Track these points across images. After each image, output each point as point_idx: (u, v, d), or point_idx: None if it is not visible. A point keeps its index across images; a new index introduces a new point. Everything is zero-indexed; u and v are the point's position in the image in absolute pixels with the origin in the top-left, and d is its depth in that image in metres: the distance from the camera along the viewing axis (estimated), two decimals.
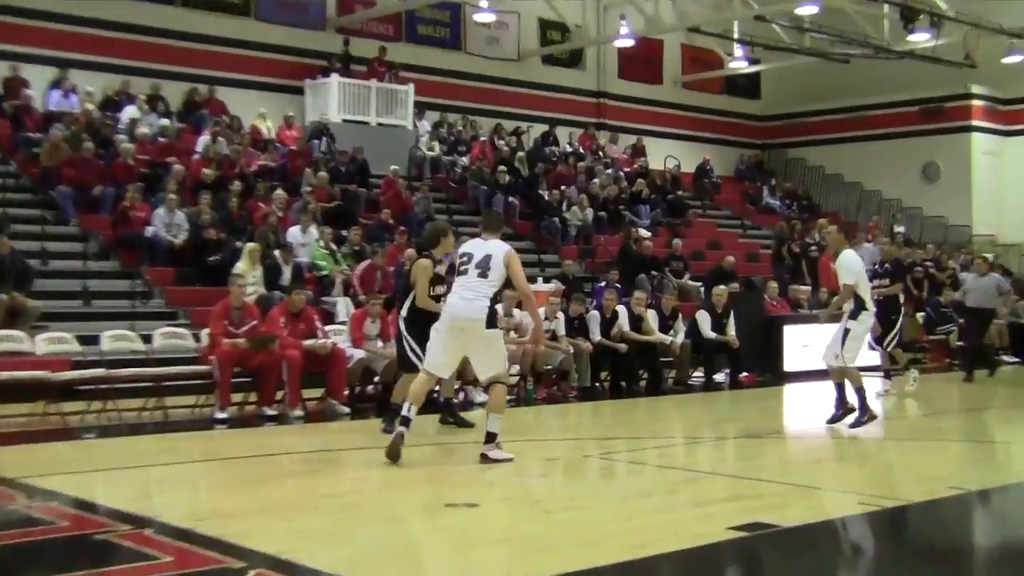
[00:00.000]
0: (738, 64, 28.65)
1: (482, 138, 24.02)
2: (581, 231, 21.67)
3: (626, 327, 14.58)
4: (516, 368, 12.74)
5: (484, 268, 8.27)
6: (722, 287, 16.19)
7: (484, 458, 8.17)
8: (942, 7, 23.40)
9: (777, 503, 7.13)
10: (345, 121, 22.26)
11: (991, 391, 15.23)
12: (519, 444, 8.72)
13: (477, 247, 8.47)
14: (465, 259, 8.42)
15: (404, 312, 9.75)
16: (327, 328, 12.60)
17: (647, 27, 25.38)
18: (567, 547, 5.79)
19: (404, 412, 8.25)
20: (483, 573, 5.47)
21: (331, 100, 22.29)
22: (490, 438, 8.22)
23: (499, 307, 8.87)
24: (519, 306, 12.64)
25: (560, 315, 14.02)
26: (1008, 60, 25.74)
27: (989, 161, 28.98)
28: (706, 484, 7.75)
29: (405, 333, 9.65)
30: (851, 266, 10.50)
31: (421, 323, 9.16)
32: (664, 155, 27.69)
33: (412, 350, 9.40)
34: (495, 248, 8.40)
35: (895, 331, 13.59)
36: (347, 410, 11.68)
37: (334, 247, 16.57)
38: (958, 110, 28.89)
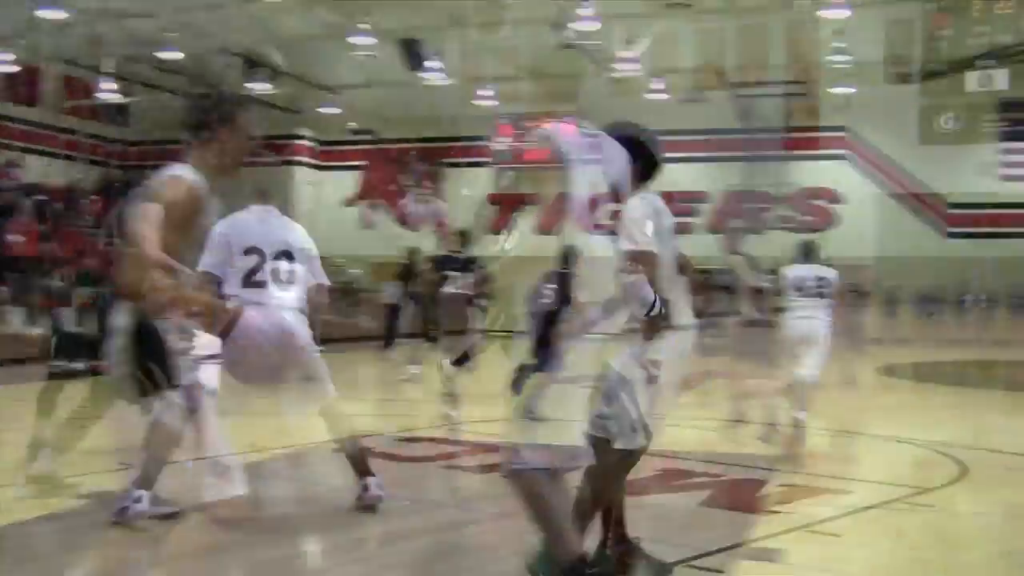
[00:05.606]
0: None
1: None
2: None
3: None
4: None
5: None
6: None
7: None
8: (279, 62, 30.75)
9: None
10: None
11: None
12: None
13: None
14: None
15: None
16: None
17: None
18: None
19: None
20: None
21: None
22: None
23: None
24: None
25: None
26: (324, 110, 35.55)
27: (310, 190, 37.92)
28: None
29: None
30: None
31: None
32: None
33: None
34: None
35: None
36: None
37: None
38: (288, 147, 37.36)
